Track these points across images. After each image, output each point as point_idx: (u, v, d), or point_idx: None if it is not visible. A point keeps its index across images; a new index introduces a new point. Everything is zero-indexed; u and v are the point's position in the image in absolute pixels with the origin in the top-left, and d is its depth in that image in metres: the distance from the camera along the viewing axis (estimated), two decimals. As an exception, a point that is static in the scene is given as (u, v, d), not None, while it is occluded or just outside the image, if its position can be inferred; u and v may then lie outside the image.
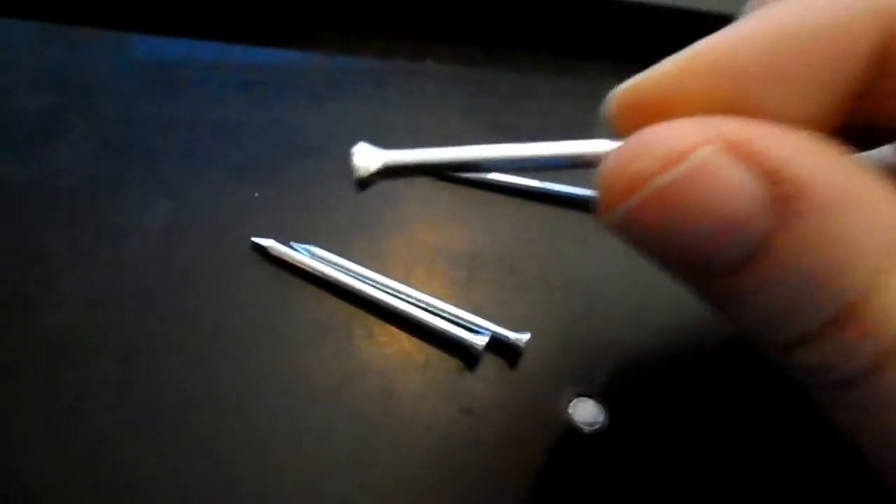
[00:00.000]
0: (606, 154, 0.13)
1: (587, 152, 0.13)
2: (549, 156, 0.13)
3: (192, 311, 0.26)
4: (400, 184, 0.32)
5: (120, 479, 0.21)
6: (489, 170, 0.13)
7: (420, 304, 0.26)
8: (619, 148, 0.13)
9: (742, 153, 0.11)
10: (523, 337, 0.25)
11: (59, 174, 0.30)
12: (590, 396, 0.24)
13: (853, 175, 0.11)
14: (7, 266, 0.26)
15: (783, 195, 0.11)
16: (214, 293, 0.26)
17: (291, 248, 0.28)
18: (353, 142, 0.33)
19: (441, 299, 0.26)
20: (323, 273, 0.27)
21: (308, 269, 0.27)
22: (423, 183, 0.32)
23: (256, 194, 0.30)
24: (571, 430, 0.24)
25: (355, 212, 0.30)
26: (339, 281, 0.26)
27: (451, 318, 0.26)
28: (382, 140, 0.33)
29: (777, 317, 0.12)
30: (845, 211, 0.11)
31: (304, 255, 0.27)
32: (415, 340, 0.25)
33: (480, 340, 0.25)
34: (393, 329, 0.26)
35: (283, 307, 0.26)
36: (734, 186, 0.11)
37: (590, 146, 0.13)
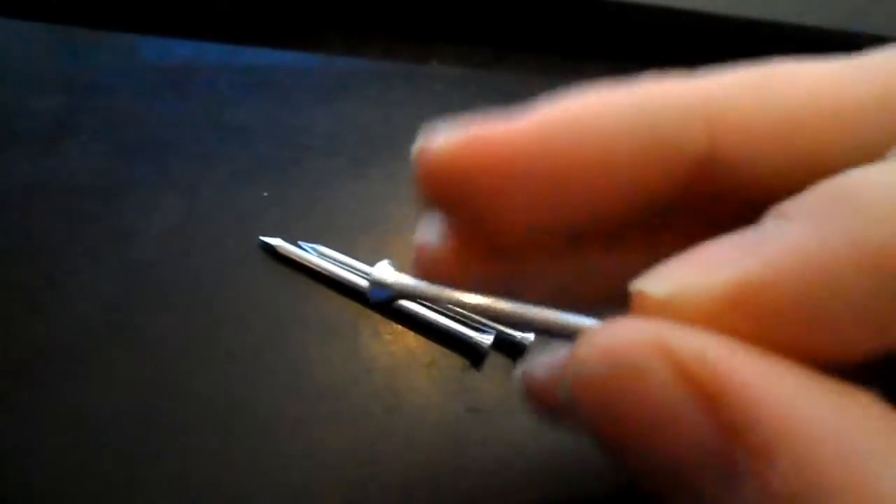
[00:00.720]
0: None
1: (574, 327, 0.13)
2: (542, 322, 0.13)
3: (200, 310, 0.26)
4: (406, 183, 0.32)
5: (128, 474, 0.21)
6: (490, 319, 0.14)
7: (426, 303, 0.26)
8: (592, 331, 0.11)
9: (695, 382, 0.09)
10: (529, 335, 0.25)
11: (69, 175, 0.31)
12: (595, 395, 0.24)
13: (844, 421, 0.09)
14: (17, 267, 0.27)
15: (735, 458, 0.09)
16: (223, 292, 0.27)
17: (299, 247, 0.28)
18: (361, 142, 0.33)
19: (447, 298, 0.26)
20: (330, 272, 0.27)
21: (315, 267, 0.27)
22: (429, 183, 0.32)
23: (265, 194, 0.30)
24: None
25: (362, 211, 0.30)
26: (346, 280, 0.27)
27: (456, 316, 0.26)
28: (389, 142, 0.34)
29: None
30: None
31: (312, 255, 0.28)
32: (421, 339, 0.26)
33: (486, 339, 0.25)
34: (399, 327, 0.26)
35: (290, 306, 0.26)
36: (675, 415, 0.09)
37: (576, 322, 0.13)
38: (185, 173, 0.31)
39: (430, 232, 0.15)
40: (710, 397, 0.09)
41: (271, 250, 0.28)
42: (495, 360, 0.25)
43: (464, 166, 0.12)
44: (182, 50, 0.38)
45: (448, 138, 0.12)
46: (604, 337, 0.10)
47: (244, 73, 0.37)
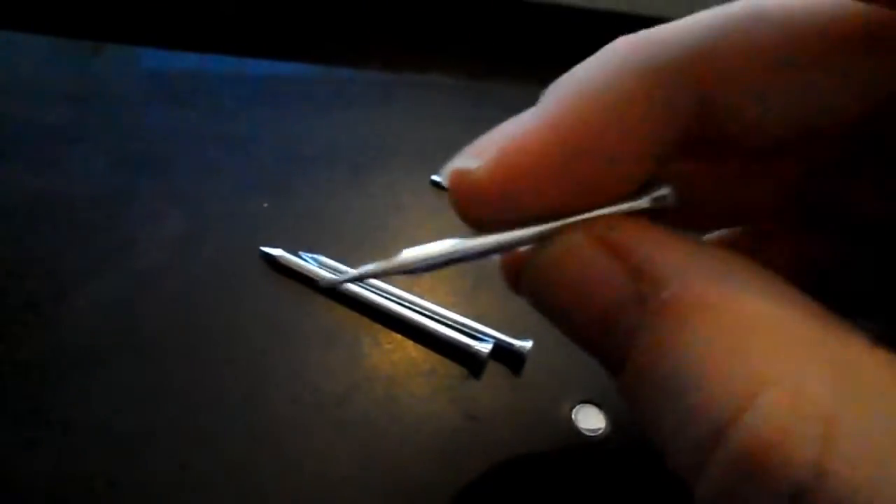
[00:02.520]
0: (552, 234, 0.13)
1: (537, 235, 0.13)
2: (504, 244, 0.13)
3: (202, 321, 0.26)
4: (406, 193, 0.32)
5: (132, 480, 0.22)
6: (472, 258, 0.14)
7: (426, 312, 0.27)
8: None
9: (608, 244, 0.12)
10: (527, 344, 0.26)
11: (72, 186, 0.31)
12: (593, 403, 0.25)
13: (726, 282, 0.11)
14: (21, 277, 0.27)
15: (642, 292, 0.11)
16: (225, 302, 0.27)
17: (300, 257, 0.28)
18: (361, 152, 0.34)
19: (446, 307, 0.27)
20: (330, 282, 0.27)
21: (316, 278, 0.27)
22: (428, 192, 0.32)
23: (266, 205, 0.31)
24: (575, 437, 0.24)
25: (362, 221, 0.31)
26: (346, 289, 0.27)
27: (456, 325, 0.26)
28: (390, 151, 0.34)
29: (654, 428, 0.11)
30: (705, 320, 0.10)
31: (313, 265, 0.28)
32: (421, 348, 0.26)
33: (485, 348, 0.25)
34: (399, 337, 0.26)
35: (291, 316, 0.27)
36: (597, 275, 0.12)
37: (538, 231, 0.13)
38: (187, 184, 0.31)
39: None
40: (621, 256, 0.12)
41: (272, 260, 0.28)
42: (494, 369, 0.25)
43: (505, 183, 0.13)
44: (185, 62, 0.39)
45: (478, 162, 0.13)
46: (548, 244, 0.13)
47: (246, 85, 0.37)
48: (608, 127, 0.12)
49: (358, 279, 0.15)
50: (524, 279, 0.14)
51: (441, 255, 0.14)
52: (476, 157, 0.13)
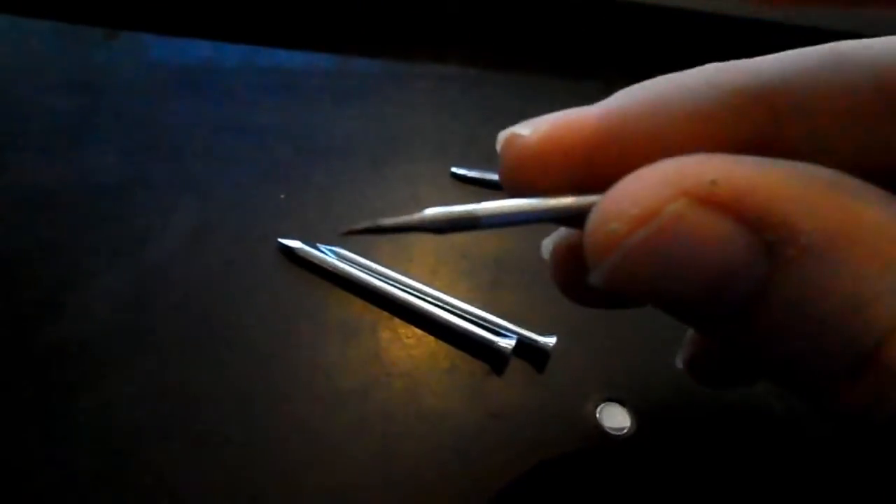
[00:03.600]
0: (588, 211, 0.12)
1: (571, 207, 0.13)
2: (533, 211, 0.13)
3: (218, 312, 0.26)
4: (424, 185, 0.32)
5: (149, 473, 0.21)
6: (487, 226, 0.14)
7: (446, 307, 0.26)
8: (595, 207, 0.12)
9: (717, 203, 0.11)
10: (550, 340, 0.25)
11: (87, 175, 0.30)
12: (618, 401, 0.24)
13: (851, 210, 0.11)
14: (35, 267, 0.27)
15: (769, 243, 0.11)
16: (241, 294, 0.26)
17: (318, 249, 0.28)
18: (380, 143, 0.33)
19: (467, 302, 0.26)
20: (349, 275, 0.27)
21: (334, 270, 0.27)
22: (448, 183, 0.32)
23: (282, 196, 0.30)
24: (599, 436, 0.23)
25: (381, 213, 0.30)
26: (365, 283, 0.26)
27: (478, 320, 0.26)
28: (407, 144, 0.34)
29: (791, 366, 0.11)
30: (844, 252, 0.10)
31: (331, 257, 0.27)
32: (441, 343, 0.25)
33: (507, 344, 0.25)
34: (419, 332, 0.26)
35: (309, 309, 0.26)
36: (714, 238, 0.11)
37: (574, 202, 0.13)
38: (202, 174, 0.31)
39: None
40: (734, 212, 0.11)
41: (290, 252, 0.28)
42: (516, 366, 0.25)
43: (550, 152, 0.13)
44: (200, 51, 0.38)
45: (531, 130, 0.14)
46: (625, 202, 0.11)
47: (262, 75, 0.37)
48: (671, 120, 0.12)
49: (376, 230, 0.15)
50: (610, 266, 0.12)
51: (463, 215, 0.13)
52: (531, 125, 0.14)
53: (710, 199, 0.11)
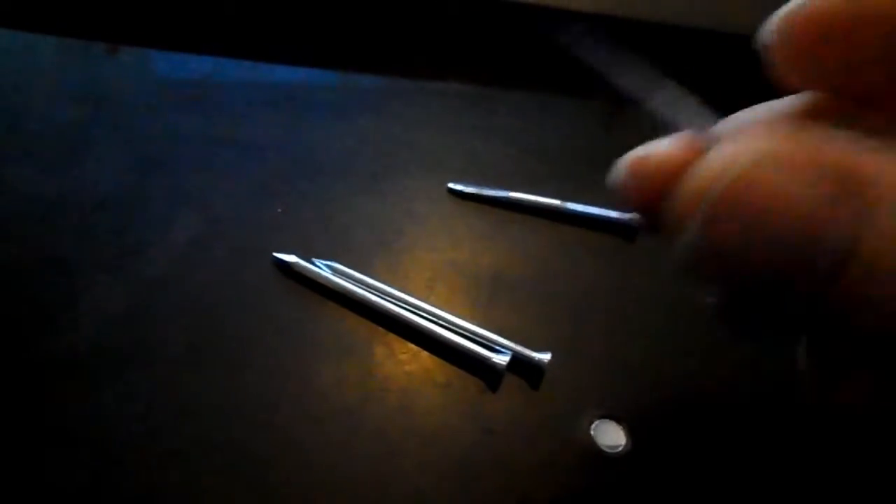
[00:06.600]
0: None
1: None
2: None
3: (213, 327, 0.26)
4: (421, 200, 0.32)
5: (142, 485, 0.21)
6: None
7: (442, 323, 0.26)
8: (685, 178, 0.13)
9: (789, 159, 0.11)
10: (545, 357, 0.25)
11: (84, 188, 0.31)
12: (613, 419, 0.24)
13: None
14: (33, 280, 0.27)
15: (852, 194, 0.10)
16: (236, 309, 0.26)
17: (313, 264, 0.28)
18: (377, 159, 0.33)
19: (462, 318, 0.26)
20: (344, 290, 0.27)
21: (330, 285, 0.27)
22: (444, 199, 0.32)
23: (279, 210, 0.30)
24: (594, 453, 0.23)
25: (377, 229, 0.30)
26: (360, 298, 0.26)
27: (472, 336, 0.26)
28: (405, 159, 0.34)
29: (884, 332, 0.11)
30: None
31: (326, 272, 0.27)
32: (436, 359, 0.25)
33: (502, 360, 0.25)
34: (414, 347, 0.26)
35: (304, 324, 0.26)
36: (790, 190, 0.11)
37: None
38: (200, 189, 0.31)
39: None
40: (817, 166, 0.11)
41: (286, 267, 0.28)
42: (511, 382, 0.25)
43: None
44: (200, 65, 0.38)
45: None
46: (707, 161, 0.12)
47: (262, 90, 0.37)
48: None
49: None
50: (699, 222, 0.12)
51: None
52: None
53: (779, 152, 0.11)
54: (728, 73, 0.31)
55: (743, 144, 0.12)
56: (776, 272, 0.12)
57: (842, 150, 0.11)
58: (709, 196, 0.12)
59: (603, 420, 0.24)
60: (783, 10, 0.13)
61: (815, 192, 0.11)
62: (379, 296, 0.27)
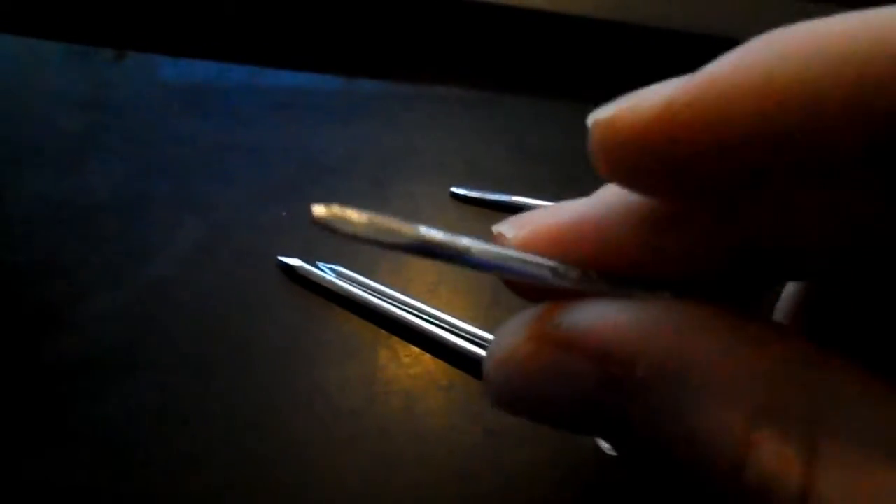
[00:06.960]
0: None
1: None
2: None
3: (218, 330, 0.26)
4: (425, 204, 0.32)
5: (147, 491, 0.21)
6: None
7: (444, 325, 0.26)
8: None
9: (561, 342, 0.12)
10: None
11: (90, 192, 0.31)
12: (614, 421, 0.24)
13: (681, 342, 0.11)
14: (39, 283, 0.27)
15: (615, 376, 0.11)
16: (241, 312, 0.27)
17: (318, 267, 0.28)
18: (381, 163, 0.33)
19: (465, 321, 0.26)
20: (349, 293, 0.27)
21: (334, 289, 0.27)
22: (448, 203, 0.32)
23: (284, 214, 0.31)
24: (597, 455, 0.23)
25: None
26: (364, 301, 0.27)
27: (476, 339, 0.26)
28: (408, 164, 0.34)
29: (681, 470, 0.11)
30: (682, 384, 0.10)
31: (331, 276, 0.28)
32: (439, 362, 0.26)
33: (505, 362, 0.25)
34: (417, 350, 0.26)
35: (308, 327, 0.26)
36: (564, 371, 0.12)
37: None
38: (204, 193, 0.31)
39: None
40: (583, 351, 0.11)
41: (290, 271, 0.28)
42: (514, 384, 0.25)
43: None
44: (204, 71, 0.39)
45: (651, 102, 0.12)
46: (494, 349, 0.13)
47: (266, 94, 0.37)
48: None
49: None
50: (493, 395, 0.13)
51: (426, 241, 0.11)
52: None
53: (553, 339, 0.12)
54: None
55: (521, 322, 0.12)
56: (571, 427, 0.13)
57: (608, 330, 0.11)
58: (494, 380, 0.13)
59: (605, 422, 0.24)
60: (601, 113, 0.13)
61: (586, 378, 0.11)
62: (383, 299, 0.27)
